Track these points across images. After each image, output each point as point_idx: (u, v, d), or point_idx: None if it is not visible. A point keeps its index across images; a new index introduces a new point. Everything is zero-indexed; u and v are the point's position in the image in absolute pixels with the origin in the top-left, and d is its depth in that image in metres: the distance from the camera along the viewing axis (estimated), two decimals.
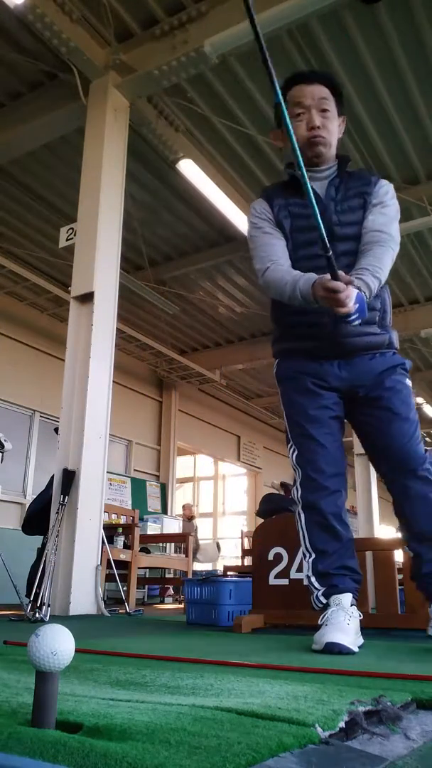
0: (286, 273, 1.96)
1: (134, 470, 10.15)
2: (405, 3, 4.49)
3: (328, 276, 1.77)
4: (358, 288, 1.81)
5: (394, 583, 2.85)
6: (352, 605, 1.91)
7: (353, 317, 1.80)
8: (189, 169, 5.79)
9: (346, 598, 1.90)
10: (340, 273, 1.77)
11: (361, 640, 1.89)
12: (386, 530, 12.87)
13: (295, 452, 2.07)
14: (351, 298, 1.76)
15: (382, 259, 1.95)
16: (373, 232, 1.99)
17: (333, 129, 2.08)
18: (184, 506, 10.40)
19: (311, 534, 2.00)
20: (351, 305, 1.76)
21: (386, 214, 2.03)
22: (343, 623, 1.82)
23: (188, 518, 9.85)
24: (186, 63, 4.57)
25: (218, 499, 13.81)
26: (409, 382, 2.08)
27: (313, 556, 1.98)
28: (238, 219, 6.56)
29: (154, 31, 4.73)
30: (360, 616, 1.93)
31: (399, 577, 2.94)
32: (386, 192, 2.07)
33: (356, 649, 1.77)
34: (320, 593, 1.94)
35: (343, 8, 4.48)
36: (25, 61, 4.93)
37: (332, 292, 1.75)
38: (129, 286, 7.41)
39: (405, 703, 0.96)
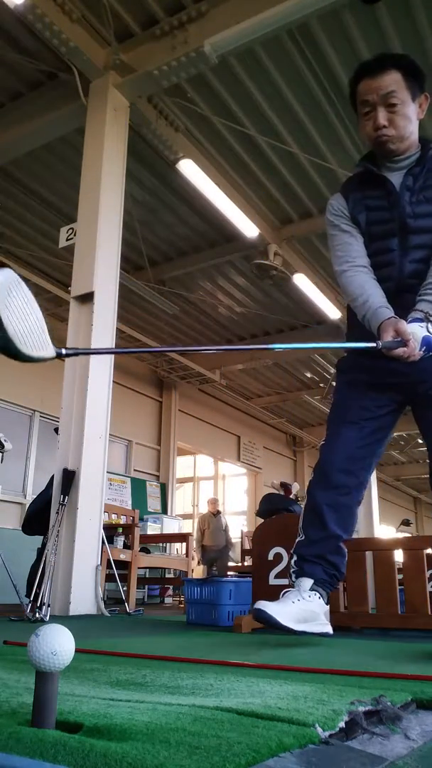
0: (360, 288, 1.93)
1: (134, 470, 10.15)
2: (405, 3, 4.49)
3: (390, 332, 1.76)
4: (426, 317, 1.78)
5: (394, 583, 2.85)
6: (312, 590, 1.95)
7: (424, 356, 1.79)
8: (189, 169, 5.79)
9: (306, 582, 1.96)
10: (399, 326, 1.74)
11: (319, 629, 1.93)
12: (386, 530, 12.88)
13: (323, 440, 2.11)
14: (414, 350, 1.74)
15: None
16: None
17: (404, 120, 1.93)
18: (209, 501, 10.21)
19: (304, 518, 2.06)
20: (418, 354, 1.76)
21: None
22: (288, 601, 1.90)
23: (213, 513, 9.66)
24: (186, 63, 4.57)
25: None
26: None
27: (301, 537, 2.04)
28: (238, 219, 6.56)
29: (154, 31, 4.73)
30: (321, 604, 1.95)
31: (399, 577, 2.94)
32: None
33: (286, 624, 1.83)
34: (292, 571, 2.03)
35: (343, 8, 4.48)
36: (25, 61, 4.93)
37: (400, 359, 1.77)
38: (129, 286, 7.41)
39: (405, 703, 0.96)
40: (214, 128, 5.70)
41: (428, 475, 2.01)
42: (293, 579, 2.00)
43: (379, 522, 10.43)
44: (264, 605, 1.84)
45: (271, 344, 2.00)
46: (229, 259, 7.72)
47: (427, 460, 2.02)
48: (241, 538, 7.89)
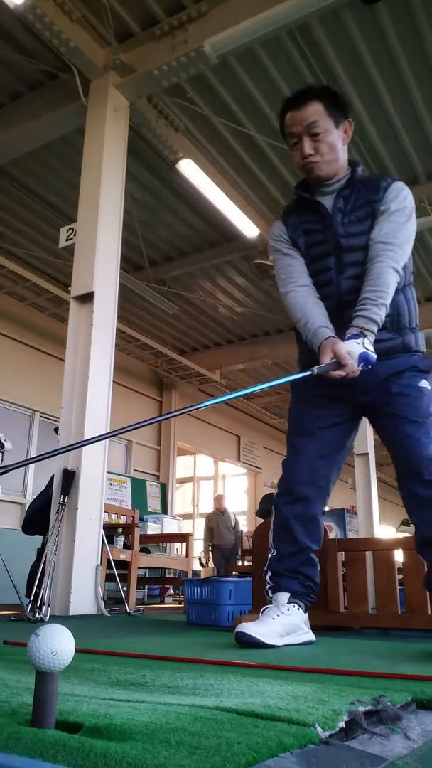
0: (301, 310, 2.05)
1: (134, 470, 10.15)
2: (405, 3, 4.49)
3: (329, 354, 1.86)
4: (361, 332, 1.88)
5: (394, 583, 2.85)
6: (290, 602, 2.00)
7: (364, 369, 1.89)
8: (189, 169, 5.79)
9: (283, 596, 2.01)
10: (336, 347, 1.85)
11: (302, 638, 1.99)
12: (386, 530, 12.88)
13: (286, 456, 2.19)
14: (352, 368, 1.84)
15: (382, 278, 1.93)
16: (377, 244, 1.98)
17: (328, 147, 2.05)
18: (215, 498, 9.93)
19: (273, 533, 2.12)
20: (356, 371, 1.86)
21: (393, 221, 2.00)
22: (268, 619, 1.94)
23: (220, 511, 9.34)
24: (186, 63, 4.57)
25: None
26: (424, 383, 2.01)
27: (273, 553, 2.09)
28: (238, 219, 6.56)
29: (154, 31, 4.73)
30: (300, 614, 2.00)
31: (399, 577, 2.94)
32: (395, 196, 2.03)
33: (270, 642, 1.86)
34: (268, 587, 2.07)
35: (343, 8, 4.48)
36: (25, 61, 4.93)
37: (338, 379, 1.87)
38: (129, 286, 7.41)
39: (405, 703, 0.96)
40: (214, 128, 5.70)
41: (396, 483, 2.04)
42: (270, 595, 2.05)
43: (379, 522, 10.42)
44: (245, 627, 1.88)
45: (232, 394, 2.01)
46: (229, 259, 7.72)
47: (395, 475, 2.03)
48: (241, 538, 7.89)
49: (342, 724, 0.79)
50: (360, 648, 2.02)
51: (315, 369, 1.84)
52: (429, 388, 2.01)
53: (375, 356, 1.87)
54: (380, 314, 1.91)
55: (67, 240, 4.93)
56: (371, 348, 1.87)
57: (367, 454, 9.84)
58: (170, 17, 4.64)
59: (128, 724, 0.71)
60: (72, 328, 4.47)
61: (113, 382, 4.46)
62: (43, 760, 0.60)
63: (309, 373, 1.83)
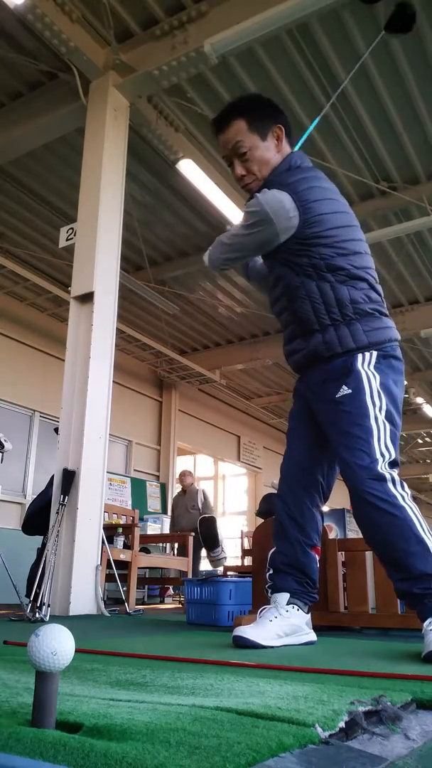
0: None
1: (134, 470, 10.15)
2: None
3: None
4: None
5: None
6: (289, 603, 1.99)
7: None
8: (189, 169, 5.79)
9: (282, 597, 2.00)
10: None
11: (302, 639, 1.98)
12: None
13: None
14: None
15: (212, 247, 2.10)
16: None
17: (258, 164, 2.04)
18: (179, 475, 8.31)
19: (273, 529, 2.14)
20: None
21: (238, 224, 2.05)
22: (265, 621, 1.94)
23: (182, 491, 8.04)
24: (186, 63, 4.57)
25: (218, 499, 13.80)
26: (342, 392, 1.87)
27: (274, 548, 2.10)
28: (238, 219, 6.54)
29: (154, 31, 4.73)
30: (301, 615, 1.99)
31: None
32: (247, 205, 1.99)
33: (266, 643, 1.86)
34: (267, 586, 2.08)
35: (343, 8, 4.48)
36: (25, 61, 4.93)
37: None
38: (129, 286, 7.41)
39: (405, 703, 0.96)
40: None
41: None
42: (269, 595, 2.05)
43: None
44: (242, 631, 1.87)
45: None
46: None
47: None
48: (242, 538, 7.88)
49: (342, 724, 0.79)
50: (360, 648, 2.02)
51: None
52: (347, 393, 1.87)
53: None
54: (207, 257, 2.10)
55: (67, 240, 4.93)
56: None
57: None
58: (170, 17, 4.64)
59: (128, 724, 0.71)
60: (72, 328, 4.47)
61: (113, 382, 4.46)
62: (43, 760, 0.60)
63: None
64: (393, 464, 1.80)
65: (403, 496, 1.75)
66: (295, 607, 1.99)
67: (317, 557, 2.09)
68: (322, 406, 1.98)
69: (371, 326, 1.91)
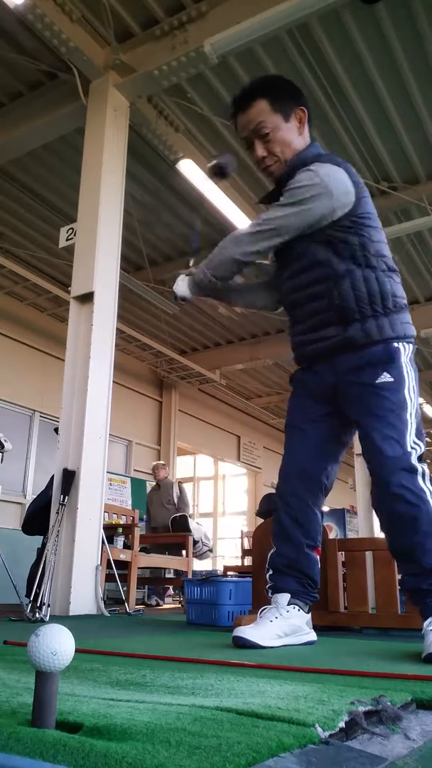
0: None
1: (134, 470, 10.15)
2: (405, 3, 4.49)
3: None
4: (190, 272, 2.11)
5: (394, 583, 2.85)
6: (290, 604, 1.97)
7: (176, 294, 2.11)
8: (189, 169, 5.79)
9: (283, 597, 1.98)
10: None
11: (303, 639, 1.97)
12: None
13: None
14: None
15: (213, 252, 2.05)
16: None
17: (280, 145, 1.99)
18: (154, 467, 7.86)
19: (272, 529, 2.11)
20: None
21: (276, 204, 1.94)
22: (266, 621, 1.93)
23: (157, 485, 7.62)
24: (186, 63, 4.57)
25: (218, 499, 13.80)
26: (383, 377, 1.84)
27: (273, 549, 2.08)
28: (238, 219, 6.55)
29: (154, 31, 4.73)
30: (302, 615, 1.99)
31: (399, 577, 2.93)
32: (296, 180, 1.90)
33: (266, 644, 1.85)
34: (268, 587, 2.06)
35: (343, 8, 4.48)
36: (25, 61, 4.93)
37: None
38: (129, 286, 7.41)
39: (405, 703, 0.96)
40: (214, 128, 5.70)
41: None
42: (270, 595, 2.03)
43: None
44: (242, 631, 1.86)
45: None
46: None
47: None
48: (241, 538, 7.88)
49: (342, 724, 0.79)
50: (360, 648, 2.02)
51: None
52: (389, 380, 1.84)
53: (182, 291, 2.11)
54: (203, 275, 2.07)
55: (67, 240, 4.93)
56: (185, 285, 2.11)
57: None
58: (170, 17, 4.64)
59: (128, 724, 0.71)
60: (72, 328, 4.47)
61: (113, 382, 4.46)
62: (43, 760, 0.60)
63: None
64: (420, 459, 1.81)
65: (430, 491, 1.75)
66: (296, 607, 1.98)
67: (318, 558, 2.08)
68: (355, 390, 1.89)
69: (407, 320, 1.93)
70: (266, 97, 1.98)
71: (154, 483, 7.71)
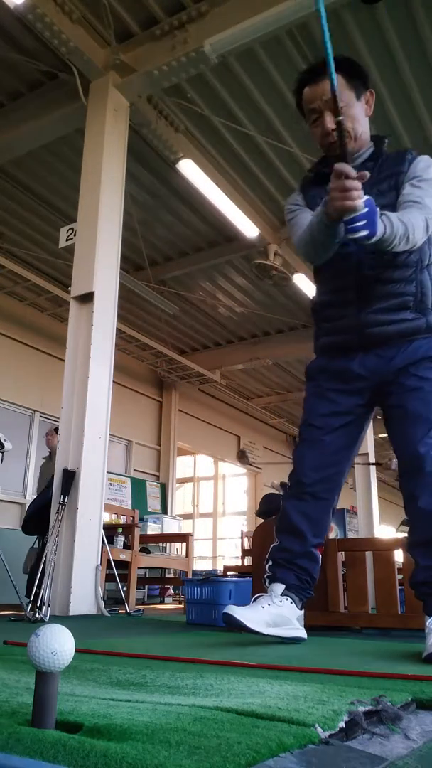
0: (305, 227, 1.96)
1: (134, 470, 10.15)
2: (405, 3, 4.49)
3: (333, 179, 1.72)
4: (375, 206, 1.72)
5: (394, 583, 2.85)
6: (284, 594, 1.98)
7: (359, 225, 1.68)
8: (189, 169, 5.79)
9: (278, 587, 1.99)
10: (354, 170, 1.69)
11: (290, 633, 1.97)
12: (386, 530, 12.88)
13: (295, 448, 2.16)
14: (360, 193, 1.66)
15: (412, 215, 1.81)
16: (407, 202, 1.88)
17: (352, 121, 1.96)
18: (48, 432, 5.86)
19: (278, 523, 2.10)
20: (360, 202, 1.66)
21: (421, 187, 1.90)
22: (258, 606, 1.94)
23: (49, 455, 5.73)
24: (186, 63, 4.57)
25: (218, 499, 13.80)
26: None
27: (276, 542, 2.08)
28: (238, 219, 6.56)
29: (154, 31, 4.73)
30: (293, 609, 1.99)
31: (399, 577, 2.94)
32: (425, 166, 1.94)
33: (252, 626, 1.85)
34: (266, 576, 2.06)
35: (343, 8, 4.48)
36: (25, 61, 4.93)
37: (340, 176, 1.66)
38: (129, 286, 7.41)
39: (405, 703, 0.96)
40: (214, 128, 5.69)
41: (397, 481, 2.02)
42: (266, 584, 2.04)
43: (379, 522, 10.42)
44: (232, 609, 1.87)
45: None
46: (229, 259, 7.71)
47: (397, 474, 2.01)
48: (242, 538, 7.89)
49: (342, 724, 0.79)
50: (360, 648, 2.02)
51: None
52: None
53: (378, 228, 1.71)
54: (396, 226, 1.76)
55: (67, 240, 4.93)
56: (378, 221, 1.72)
57: (367, 454, 9.84)
58: (170, 17, 4.64)
59: (128, 724, 0.71)
60: (72, 328, 4.47)
61: (113, 382, 4.46)
62: (43, 760, 0.60)
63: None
64: None
65: None
66: (289, 599, 1.98)
67: (320, 556, 2.09)
68: (415, 384, 1.91)
69: None
70: (341, 72, 1.94)
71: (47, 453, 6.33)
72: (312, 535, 2.02)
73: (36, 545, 4.82)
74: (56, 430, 4.41)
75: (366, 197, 1.69)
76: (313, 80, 1.98)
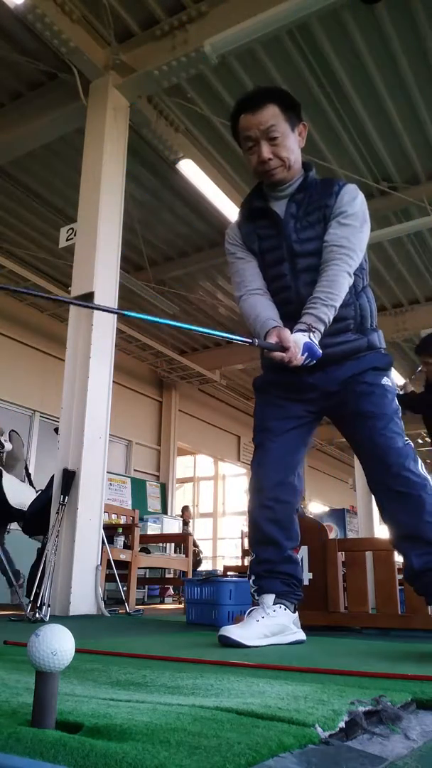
0: (252, 309, 2.06)
1: (134, 470, 10.15)
2: (405, 3, 4.49)
3: (274, 338, 1.87)
4: (309, 328, 1.89)
5: (394, 583, 2.85)
6: (276, 604, 2.00)
7: (306, 363, 1.89)
8: (189, 169, 5.79)
9: (269, 598, 2.02)
10: (282, 332, 1.86)
11: (290, 638, 1.99)
12: (386, 530, 12.90)
13: (253, 457, 2.20)
14: (296, 355, 1.84)
15: (336, 282, 1.93)
16: (331, 246, 1.97)
17: (286, 151, 2.02)
18: (184, 508, 9.29)
19: (250, 536, 2.14)
20: (299, 359, 1.86)
21: (348, 224, 1.99)
22: (252, 621, 1.96)
23: (185, 522, 8.94)
24: (186, 63, 4.57)
25: (218, 499, 13.81)
26: (386, 380, 2.04)
27: (252, 556, 2.11)
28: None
29: (154, 31, 4.73)
30: (288, 614, 2.01)
31: (399, 577, 2.94)
32: (351, 199, 2.01)
33: (250, 643, 1.86)
34: (253, 591, 2.09)
35: (343, 8, 4.48)
36: (25, 61, 4.93)
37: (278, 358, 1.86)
38: (129, 286, 7.41)
39: (405, 703, 0.96)
40: (214, 128, 5.70)
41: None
42: (256, 597, 2.06)
43: (379, 522, 10.42)
44: (227, 630, 1.89)
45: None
46: None
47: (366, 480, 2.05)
48: (242, 538, 7.89)
49: (342, 724, 0.79)
50: (360, 648, 2.02)
51: (257, 341, 1.88)
52: (390, 384, 2.05)
53: (320, 352, 1.90)
54: (329, 315, 1.92)
55: (67, 240, 4.93)
56: (316, 343, 1.90)
57: None
58: (170, 17, 4.64)
59: (128, 724, 0.71)
60: (72, 328, 4.47)
61: (113, 382, 4.46)
62: (43, 760, 0.60)
63: (250, 341, 1.85)
64: None
65: (428, 476, 1.92)
66: (282, 606, 2.01)
67: (298, 557, 2.15)
68: (365, 389, 2.01)
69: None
70: (278, 103, 2.02)
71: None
72: (286, 539, 2.06)
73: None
74: (56, 430, 4.41)
75: (302, 346, 1.86)
76: (251, 108, 2.03)
